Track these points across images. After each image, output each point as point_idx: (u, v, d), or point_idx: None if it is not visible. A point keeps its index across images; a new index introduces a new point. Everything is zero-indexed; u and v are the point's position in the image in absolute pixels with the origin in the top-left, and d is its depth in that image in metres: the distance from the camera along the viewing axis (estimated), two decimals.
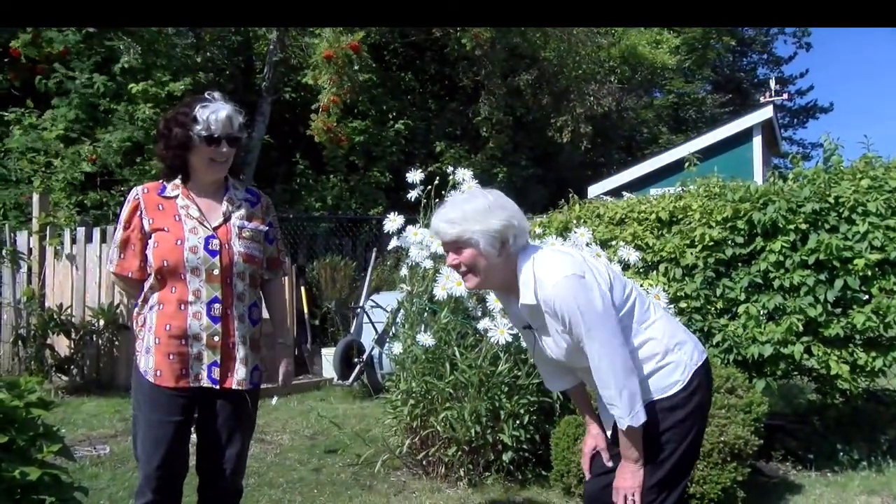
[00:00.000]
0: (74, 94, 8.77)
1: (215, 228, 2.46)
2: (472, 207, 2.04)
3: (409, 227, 4.20)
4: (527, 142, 13.88)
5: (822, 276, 4.24)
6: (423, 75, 14.58)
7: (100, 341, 6.92)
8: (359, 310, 7.29)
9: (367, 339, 6.88)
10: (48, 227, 7.23)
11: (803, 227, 4.31)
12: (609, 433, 2.26)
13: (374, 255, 8.12)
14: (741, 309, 4.35)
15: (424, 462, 4.22)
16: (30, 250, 7.24)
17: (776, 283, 4.33)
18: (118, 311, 6.85)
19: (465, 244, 2.04)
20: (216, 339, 2.43)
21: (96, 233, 7.16)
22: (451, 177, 4.36)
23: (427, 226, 4.30)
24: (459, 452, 4.06)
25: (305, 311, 8.52)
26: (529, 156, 14.03)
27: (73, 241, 7.22)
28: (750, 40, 28.58)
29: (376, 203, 11.91)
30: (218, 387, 2.46)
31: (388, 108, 12.97)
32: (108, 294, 6.98)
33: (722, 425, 3.55)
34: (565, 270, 1.98)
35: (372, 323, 6.84)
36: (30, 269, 7.22)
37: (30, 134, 8.43)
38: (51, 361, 6.74)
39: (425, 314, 4.27)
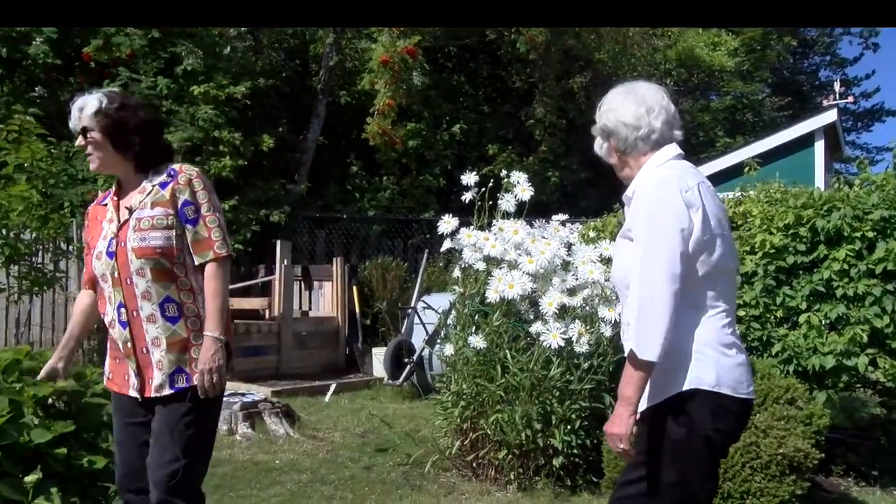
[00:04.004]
0: (138, 95, 9.05)
1: (120, 228, 2.32)
2: (613, 101, 2.07)
3: (463, 229, 4.22)
4: (579, 145, 13.75)
5: (890, 286, 4.09)
6: (476, 78, 14.59)
7: None
8: (409, 310, 7.33)
9: (418, 339, 6.91)
10: None
11: (870, 234, 4.17)
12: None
13: (425, 256, 8.16)
14: (802, 318, 4.23)
15: (474, 464, 4.22)
16: None
17: (839, 293, 4.19)
18: None
19: (605, 136, 2.10)
20: (129, 345, 2.28)
21: None
22: (504, 179, 4.36)
23: (481, 228, 4.31)
24: (510, 456, 4.05)
25: (357, 310, 8.61)
26: (581, 159, 13.89)
27: None
28: (812, 42, 27.74)
29: (428, 207, 11.95)
30: (140, 397, 2.28)
31: (441, 111, 13.01)
32: None
33: (780, 437, 3.46)
34: (666, 175, 1.93)
35: (423, 324, 6.87)
36: None
37: None
38: None
39: (477, 316, 4.28)
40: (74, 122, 2.33)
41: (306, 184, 11.06)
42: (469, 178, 4.34)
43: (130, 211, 2.31)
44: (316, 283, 8.97)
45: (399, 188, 12.05)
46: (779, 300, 4.34)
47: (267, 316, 8.16)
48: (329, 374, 7.83)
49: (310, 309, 8.90)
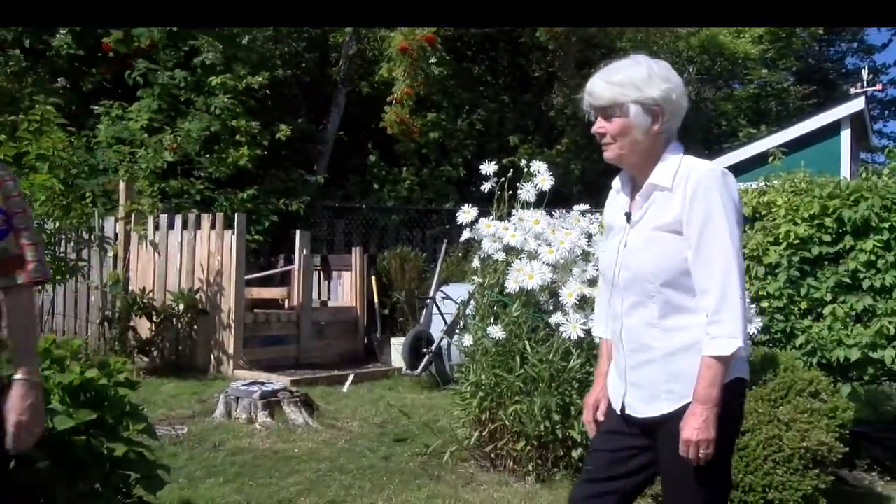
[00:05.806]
0: (157, 85, 9.11)
1: None
2: (635, 73, 1.91)
3: (482, 219, 4.20)
4: None
5: None
6: (496, 66, 14.49)
7: (179, 325, 7.18)
8: (428, 301, 7.33)
9: (436, 329, 6.91)
10: (133, 214, 7.53)
11: None
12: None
13: (444, 246, 8.15)
14: (827, 310, 4.16)
15: (492, 455, 4.21)
16: (116, 236, 7.56)
17: (866, 284, 4.12)
18: (197, 296, 7.08)
19: (617, 111, 1.92)
20: None
21: (177, 220, 7.42)
22: (525, 169, 4.33)
23: (500, 218, 4.28)
24: (528, 447, 4.03)
25: (376, 300, 8.62)
26: None
27: (156, 227, 7.50)
28: (839, 28, 27.25)
29: (447, 197, 11.93)
30: None
31: (461, 100, 12.95)
32: (188, 279, 7.23)
33: (804, 430, 3.41)
34: (723, 168, 1.91)
35: (441, 314, 6.86)
36: (115, 254, 7.54)
37: (116, 125, 8.81)
38: (133, 343, 7.03)
39: (496, 307, 4.26)
40: None
41: (325, 174, 11.08)
42: (489, 167, 4.31)
43: None
44: (335, 273, 9.00)
45: (418, 179, 12.03)
46: (803, 291, 4.27)
47: (286, 305, 8.20)
48: (348, 364, 7.85)
49: (329, 299, 8.93)
